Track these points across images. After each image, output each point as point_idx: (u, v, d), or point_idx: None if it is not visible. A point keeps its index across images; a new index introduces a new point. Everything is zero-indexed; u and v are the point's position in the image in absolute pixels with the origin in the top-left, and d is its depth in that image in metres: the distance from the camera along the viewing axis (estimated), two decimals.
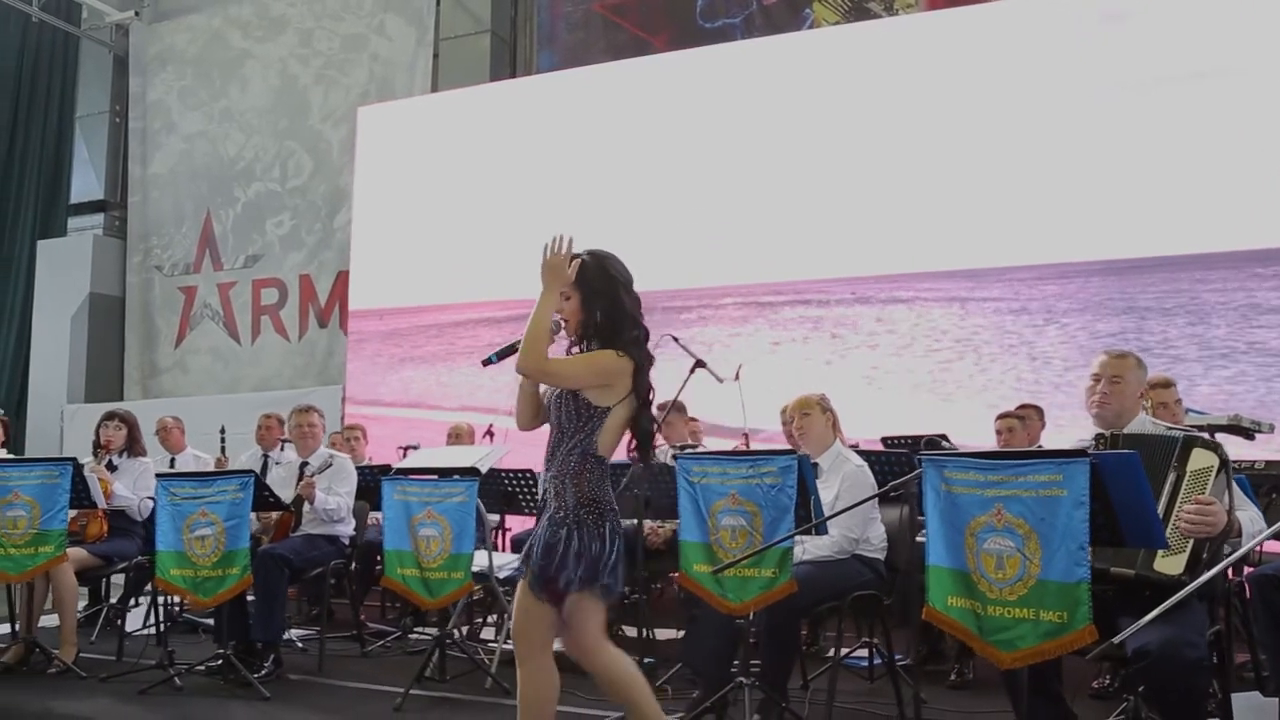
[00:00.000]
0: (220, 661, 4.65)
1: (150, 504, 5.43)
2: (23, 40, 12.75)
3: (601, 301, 2.83)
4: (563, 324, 2.85)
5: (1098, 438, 3.21)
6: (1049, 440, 5.43)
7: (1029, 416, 5.26)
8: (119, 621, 5.84)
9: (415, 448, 6.39)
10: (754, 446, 5.88)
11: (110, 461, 5.39)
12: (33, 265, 11.99)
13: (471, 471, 4.44)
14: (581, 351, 2.89)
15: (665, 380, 4.23)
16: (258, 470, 5.40)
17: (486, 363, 2.82)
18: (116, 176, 12.10)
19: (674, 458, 4.00)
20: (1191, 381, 6.11)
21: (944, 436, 4.83)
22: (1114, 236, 6.62)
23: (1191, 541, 2.89)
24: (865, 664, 4.57)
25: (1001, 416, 5.07)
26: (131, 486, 5.36)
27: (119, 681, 4.63)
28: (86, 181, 12.10)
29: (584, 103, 8.56)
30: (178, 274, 11.67)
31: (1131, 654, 2.74)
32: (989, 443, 5.20)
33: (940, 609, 2.96)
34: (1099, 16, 6.84)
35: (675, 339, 4.12)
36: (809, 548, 3.91)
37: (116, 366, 11.82)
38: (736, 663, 3.80)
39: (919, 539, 4.31)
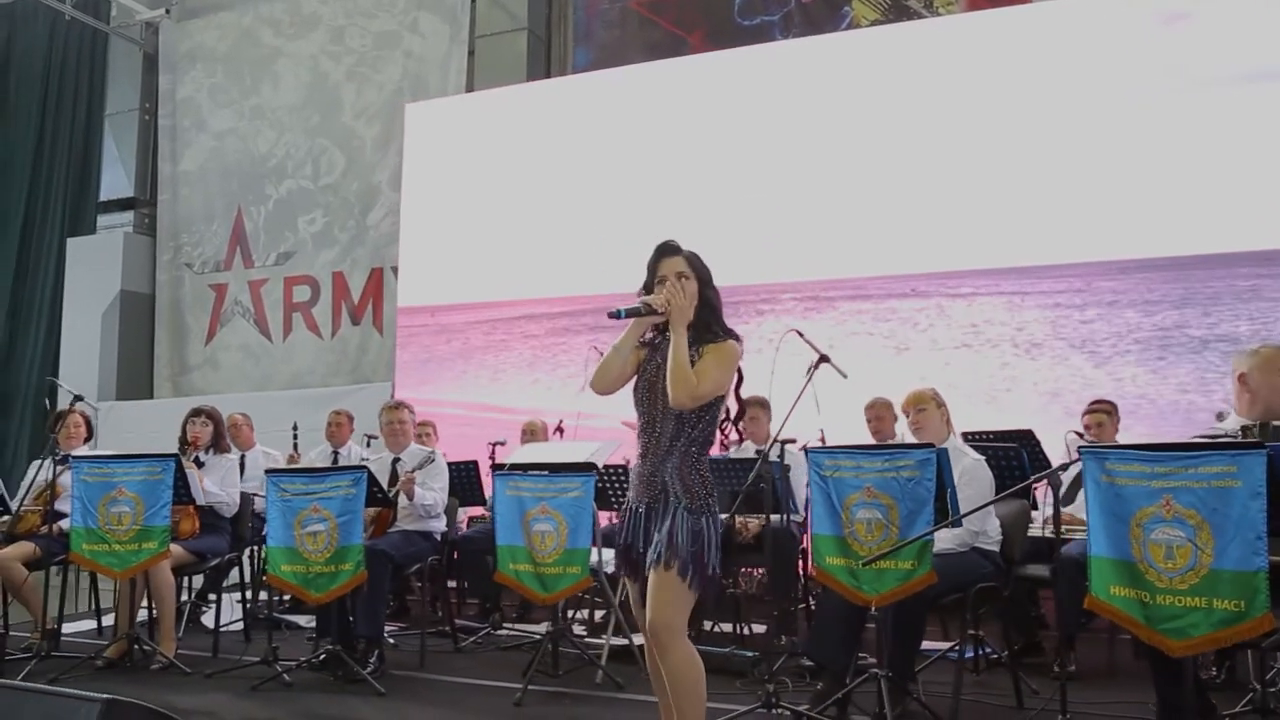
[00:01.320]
0: (323, 657, 4.68)
1: (237, 499, 5.46)
2: (52, 37, 12.68)
3: (709, 288, 2.97)
4: (659, 308, 2.88)
5: (1244, 429, 3.29)
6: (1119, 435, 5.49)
7: (1111, 411, 5.31)
8: (200, 617, 5.89)
9: (502, 444, 6.40)
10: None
11: (197, 458, 5.39)
12: (62, 262, 11.92)
13: (588, 467, 4.44)
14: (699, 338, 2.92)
15: (789, 376, 4.29)
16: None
17: (614, 315, 2.86)
18: (146, 174, 12.00)
19: (805, 452, 4.02)
20: None
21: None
22: (1173, 232, 6.67)
23: None
24: (970, 655, 4.61)
25: (1091, 411, 5.12)
26: (219, 483, 5.35)
27: (224, 677, 4.63)
28: (116, 179, 12.01)
29: (629, 103, 8.55)
30: (208, 271, 11.62)
31: None
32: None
33: (1103, 598, 3.02)
34: (1154, 16, 6.91)
35: (800, 334, 4.13)
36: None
37: (147, 364, 11.75)
38: (868, 656, 3.84)
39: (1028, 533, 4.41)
